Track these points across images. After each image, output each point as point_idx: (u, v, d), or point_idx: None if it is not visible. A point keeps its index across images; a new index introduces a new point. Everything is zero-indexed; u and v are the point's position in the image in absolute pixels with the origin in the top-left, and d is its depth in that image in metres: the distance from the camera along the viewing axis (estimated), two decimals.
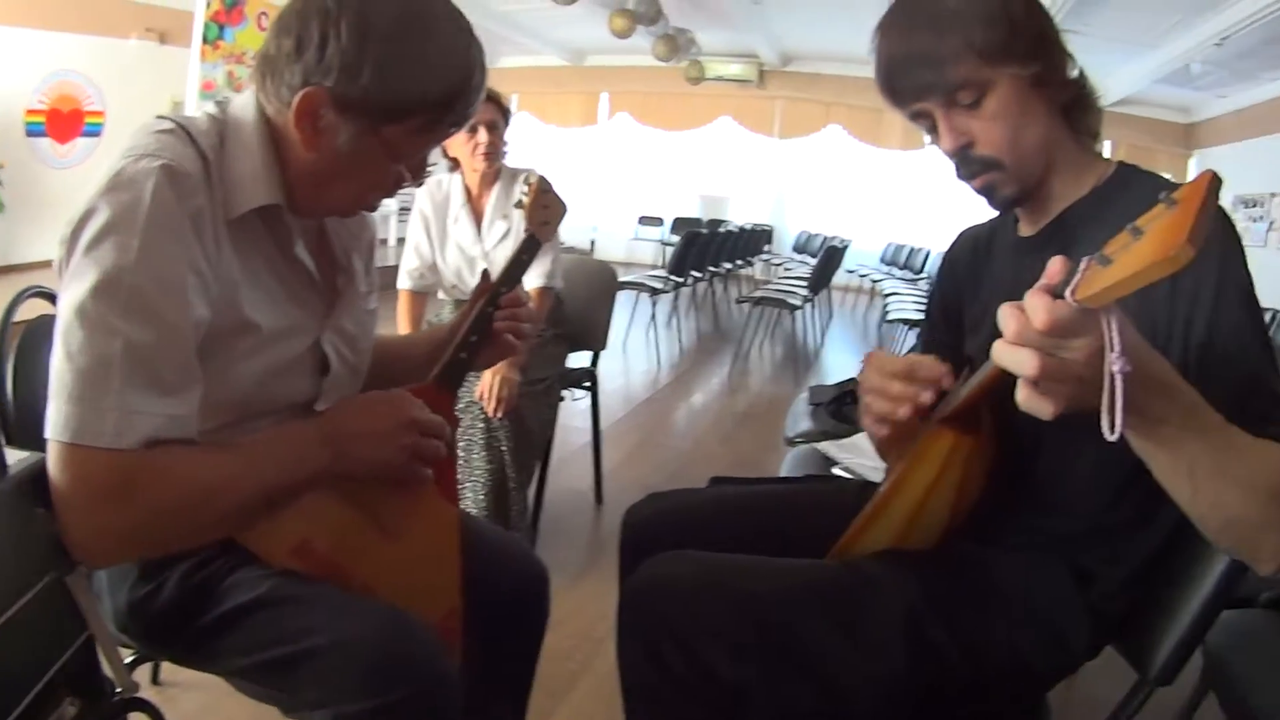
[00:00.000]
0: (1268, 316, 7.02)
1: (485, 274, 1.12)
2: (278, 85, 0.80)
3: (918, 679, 0.87)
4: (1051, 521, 0.94)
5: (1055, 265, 0.59)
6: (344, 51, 0.76)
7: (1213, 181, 0.56)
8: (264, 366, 0.87)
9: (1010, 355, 0.59)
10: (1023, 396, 0.61)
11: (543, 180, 1.28)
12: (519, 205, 1.27)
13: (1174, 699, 1.40)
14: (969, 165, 0.93)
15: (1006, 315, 0.59)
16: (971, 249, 1.15)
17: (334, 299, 0.97)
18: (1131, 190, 0.94)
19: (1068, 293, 0.56)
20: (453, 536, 0.99)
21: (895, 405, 0.87)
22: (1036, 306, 0.57)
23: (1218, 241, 0.81)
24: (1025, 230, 1.03)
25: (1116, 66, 8.32)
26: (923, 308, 5.09)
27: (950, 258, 1.20)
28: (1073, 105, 0.95)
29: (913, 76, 0.91)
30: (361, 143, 0.81)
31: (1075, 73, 0.95)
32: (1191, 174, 9.28)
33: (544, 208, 1.25)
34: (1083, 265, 0.57)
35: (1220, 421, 0.69)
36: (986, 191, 0.96)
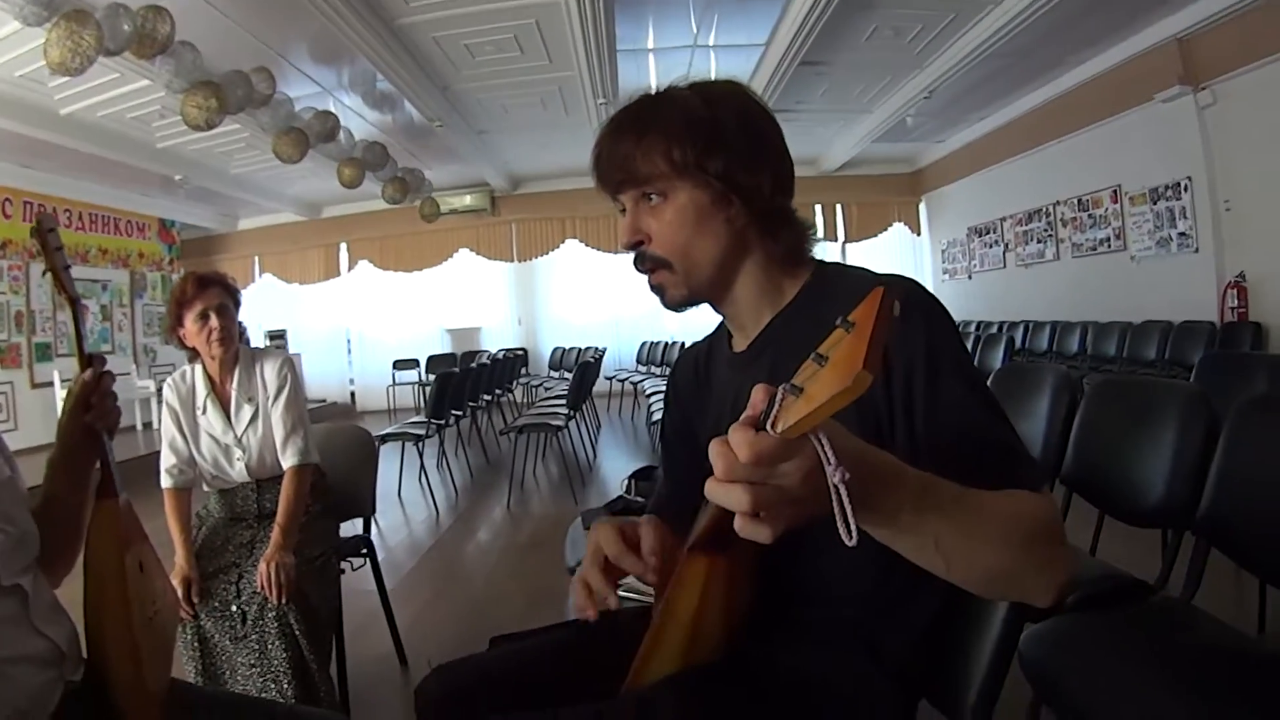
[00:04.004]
0: (1019, 329, 7.79)
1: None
2: None
3: None
4: (828, 609, 0.95)
5: (758, 395, 0.61)
6: None
7: (884, 299, 0.56)
8: None
9: (723, 493, 0.60)
10: (739, 525, 0.61)
11: None
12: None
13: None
14: (642, 261, 1.00)
15: (714, 453, 0.60)
16: (693, 368, 1.19)
17: None
18: (828, 291, 0.97)
19: (769, 426, 0.57)
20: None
21: (587, 602, 0.93)
22: (740, 442, 0.58)
23: (922, 319, 0.86)
24: (738, 345, 1.06)
25: (836, 135, 8.99)
26: None
27: (673, 379, 1.23)
28: (764, 223, 0.98)
29: (613, 171, 0.99)
30: None
31: (772, 196, 0.98)
32: (923, 217, 9.91)
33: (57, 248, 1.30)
34: (779, 396, 0.59)
35: (955, 492, 0.70)
36: (658, 290, 1.01)
